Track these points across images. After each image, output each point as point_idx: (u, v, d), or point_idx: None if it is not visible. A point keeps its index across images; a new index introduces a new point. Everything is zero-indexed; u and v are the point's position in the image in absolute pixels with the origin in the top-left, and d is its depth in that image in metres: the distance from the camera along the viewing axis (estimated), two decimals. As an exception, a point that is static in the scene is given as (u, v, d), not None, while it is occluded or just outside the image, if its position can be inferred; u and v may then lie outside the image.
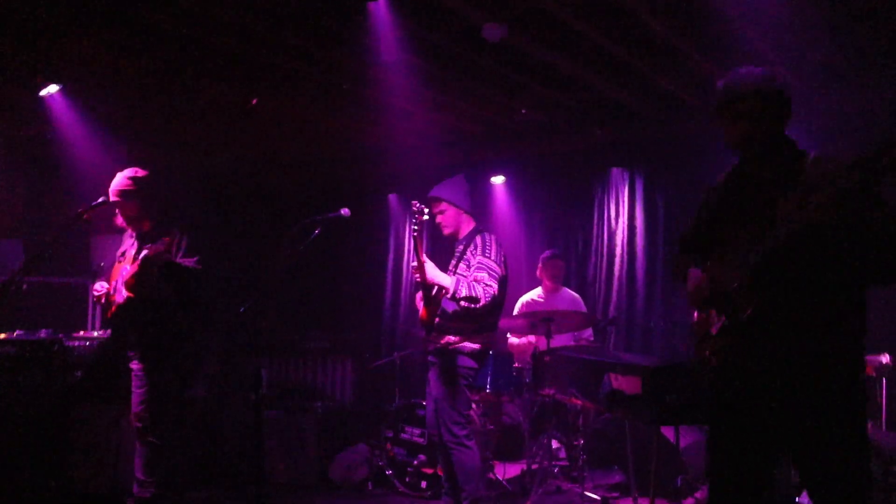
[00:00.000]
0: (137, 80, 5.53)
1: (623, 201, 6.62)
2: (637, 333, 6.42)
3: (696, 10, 4.24)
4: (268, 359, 6.37)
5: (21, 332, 5.26)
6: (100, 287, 4.40)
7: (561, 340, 5.63)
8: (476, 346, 4.22)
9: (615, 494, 5.16)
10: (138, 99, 5.97)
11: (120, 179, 4.25)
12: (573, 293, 6.22)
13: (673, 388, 3.65)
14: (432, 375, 4.27)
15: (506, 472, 5.37)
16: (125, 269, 4.26)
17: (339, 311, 8.13)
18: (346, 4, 4.06)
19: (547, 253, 6.20)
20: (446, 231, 4.43)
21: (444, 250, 4.66)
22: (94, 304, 4.59)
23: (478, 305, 4.10)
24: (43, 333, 5.30)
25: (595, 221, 6.81)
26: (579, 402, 4.93)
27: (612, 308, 6.56)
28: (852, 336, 2.35)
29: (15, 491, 4.63)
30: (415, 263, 4.18)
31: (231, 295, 6.73)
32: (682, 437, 5.05)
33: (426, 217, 4.19)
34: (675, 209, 6.35)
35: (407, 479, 5.29)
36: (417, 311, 4.39)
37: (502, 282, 4.24)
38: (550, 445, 5.27)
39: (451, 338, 4.20)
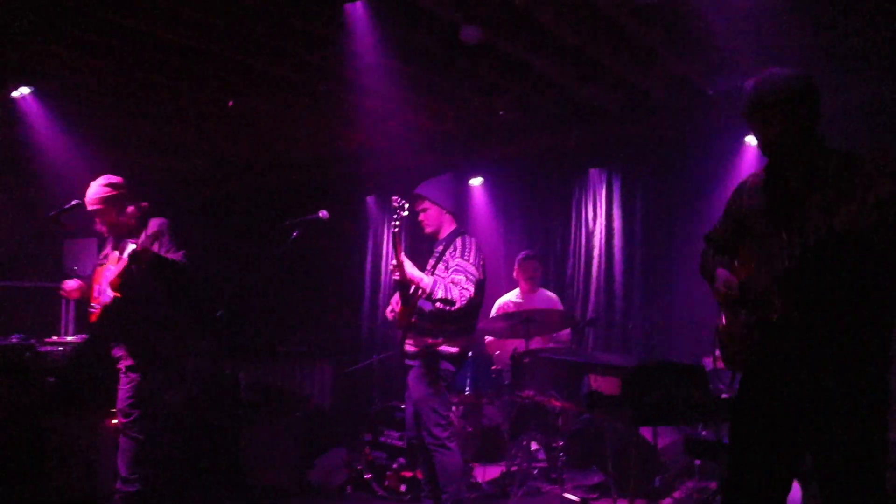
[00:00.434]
0: (112, 83, 5.46)
1: (601, 202, 6.62)
2: (615, 334, 6.42)
3: (673, 11, 4.25)
4: (246, 362, 6.30)
5: (-8, 338, 5.18)
6: (71, 283, 4.33)
7: (539, 341, 5.61)
8: (454, 349, 4.18)
9: (594, 495, 5.14)
10: (113, 101, 5.89)
11: (96, 188, 4.18)
12: (551, 294, 6.21)
13: (651, 389, 3.65)
14: (411, 378, 4.24)
15: (485, 474, 5.34)
16: (109, 269, 4.20)
17: (317, 314, 8.07)
18: (322, 6, 4.02)
19: (522, 254, 6.18)
20: (428, 230, 4.39)
21: (422, 251, 4.62)
22: (65, 300, 4.52)
23: (453, 308, 4.06)
24: (14, 339, 5.21)
25: (573, 222, 6.81)
26: (559, 403, 4.92)
27: (590, 309, 6.55)
28: (879, 341, 2.33)
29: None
30: (394, 261, 4.14)
31: (205, 298, 6.67)
32: (660, 437, 5.05)
33: (406, 213, 4.14)
34: (654, 209, 6.36)
35: (386, 483, 5.24)
36: (395, 312, 4.35)
37: (479, 285, 4.21)
38: (530, 447, 5.25)
39: (429, 340, 4.17)
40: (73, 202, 4.18)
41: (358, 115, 6.09)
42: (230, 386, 5.86)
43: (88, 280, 4.38)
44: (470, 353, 4.52)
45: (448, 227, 4.37)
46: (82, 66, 5.12)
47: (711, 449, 4.08)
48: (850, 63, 4.98)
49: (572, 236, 6.81)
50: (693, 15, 4.18)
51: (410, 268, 4.09)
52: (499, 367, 5.65)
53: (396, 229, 4.08)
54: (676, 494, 5.00)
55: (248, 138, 7.17)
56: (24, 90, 5.34)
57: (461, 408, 5.33)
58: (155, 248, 4.07)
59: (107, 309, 4.18)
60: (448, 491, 4.11)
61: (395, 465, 5.21)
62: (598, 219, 6.62)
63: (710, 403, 3.73)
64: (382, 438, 5.34)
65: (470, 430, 5.34)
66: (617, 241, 6.51)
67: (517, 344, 5.33)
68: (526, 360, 5.02)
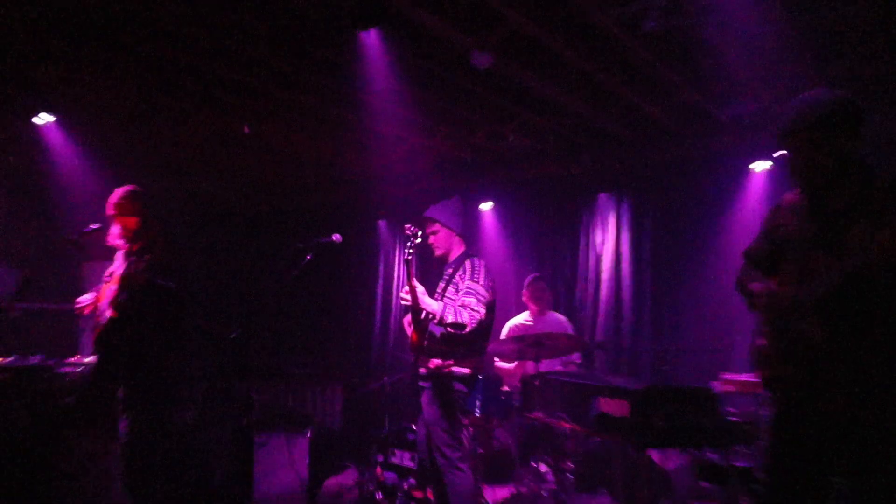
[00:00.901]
0: (131, 109, 5.53)
1: (610, 226, 6.61)
2: (624, 357, 6.39)
3: (682, 39, 4.27)
4: (257, 383, 6.30)
5: (13, 358, 5.20)
6: (86, 297, 4.26)
7: (549, 364, 5.59)
8: (466, 370, 4.18)
9: (604, 518, 5.10)
10: (132, 127, 5.96)
11: (118, 193, 4.17)
12: (560, 317, 6.20)
13: (660, 412, 3.62)
14: (424, 400, 4.23)
15: (495, 495, 5.30)
16: (111, 289, 4.18)
17: (328, 336, 8.07)
18: (336, 32, 4.06)
19: (529, 277, 6.18)
20: (438, 252, 4.40)
21: (432, 273, 4.63)
22: (76, 322, 4.48)
23: (464, 332, 4.06)
24: (35, 359, 5.24)
25: (582, 247, 6.80)
26: (568, 425, 4.89)
27: (599, 332, 6.53)
28: None
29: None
30: (406, 287, 4.15)
31: (219, 319, 6.69)
32: (669, 460, 5.01)
33: (419, 240, 4.16)
34: (662, 233, 6.35)
35: (397, 503, 5.22)
36: (406, 335, 4.35)
37: (490, 307, 4.21)
38: (539, 469, 5.22)
39: (440, 361, 4.16)
40: (93, 226, 4.17)
41: (370, 139, 6.13)
42: (242, 406, 5.86)
43: (99, 293, 4.35)
44: (480, 376, 4.50)
45: (457, 250, 4.39)
46: (104, 92, 5.19)
47: (719, 472, 4.04)
48: (859, 92, 4.98)
49: (581, 260, 6.80)
50: (702, 42, 4.19)
51: (422, 294, 4.10)
52: (509, 389, 5.63)
53: (409, 257, 4.10)
54: (685, 517, 4.95)
55: (263, 162, 7.23)
56: (46, 117, 5.40)
57: (471, 430, 5.30)
58: (143, 268, 4.00)
59: (104, 328, 4.12)
60: (458, 512, 4.08)
61: (405, 486, 5.19)
62: (607, 243, 6.61)
63: (718, 427, 3.69)
64: (394, 459, 5.32)
65: (480, 451, 5.31)
66: (626, 264, 6.50)
67: (526, 367, 5.30)
68: (535, 383, 4.99)
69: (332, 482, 5.54)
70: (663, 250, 6.36)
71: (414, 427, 4.92)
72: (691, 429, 3.64)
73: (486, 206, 7.19)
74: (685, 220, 6.25)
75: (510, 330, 6.11)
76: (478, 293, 4.13)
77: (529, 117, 5.79)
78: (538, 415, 4.96)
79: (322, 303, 8.14)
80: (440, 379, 4.16)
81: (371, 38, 3.92)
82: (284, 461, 5.54)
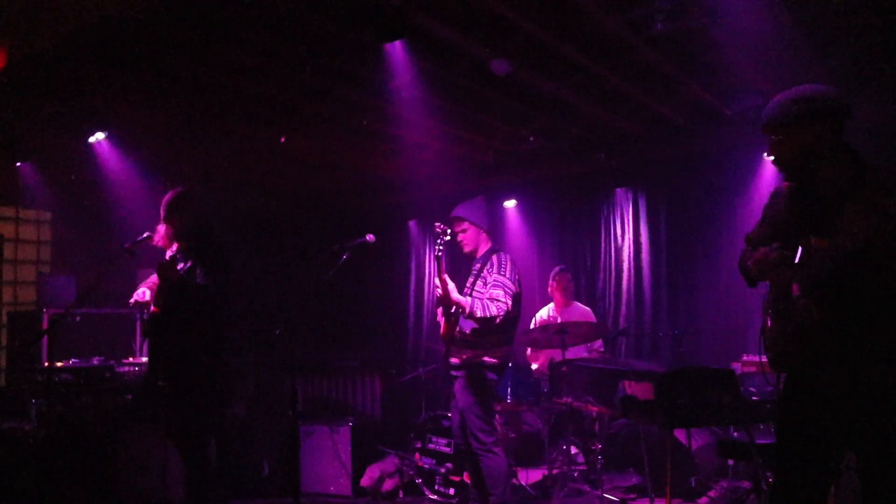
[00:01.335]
0: (176, 126, 5.60)
1: (628, 219, 6.57)
2: (646, 342, 6.34)
3: (688, 39, 4.21)
4: (302, 377, 6.35)
5: (76, 361, 5.29)
6: (141, 294, 4.16)
7: (574, 352, 5.56)
8: (494, 360, 4.17)
9: (632, 496, 5.06)
10: (176, 141, 6.03)
11: (169, 194, 4.14)
12: (584, 307, 6.16)
13: (683, 393, 3.58)
14: (457, 388, 4.22)
15: (528, 477, 5.29)
16: (156, 284, 4.15)
17: (366, 331, 8.11)
18: (363, 46, 4.07)
19: (555, 269, 6.16)
20: (466, 249, 4.40)
21: (461, 269, 4.63)
22: (132, 324, 4.47)
23: (493, 324, 4.06)
24: (95, 361, 5.33)
25: (602, 239, 6.77)
26: (595, 408, 4.86)
27: (621, 320, 6.50)
28: None
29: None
30: (437, 281, 4.15)
31: (264, 319, 6.75)
32: (694, 439, 4.95)
33: (448, 237, 4.16)
34: (677, 224, 6.32)
35: (436, 487, 5.22)
36: (439, 326, 4.35)
37: (516, 298, 4.20)
38: (569, 451, 5.19)
39: (471, 352, 4.16)
40: (145, 234, 4.17)
41: (398, 146, 6.14)
42: (288, 399, 5.90)
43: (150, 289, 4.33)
44: (510, 364, 4.48)
45: (484, 246, 4.38)
46: (151, 111, 5.26)
47: (743, 450, 3.98)
48: (859, 82, 4.89)
49: (602, 252, 6.76)
50: (707, 41, 4.14)
51: (452, 289, 4.10)
52: (537, 376, 5.61)
53: (440, 253, 4.10)
54: (712, 494, 4.89)
55: (300, 171, 7.28)
56: (99, 135, 5.48)
57: (503, 415, 5.29)
58: (180, 266, 3.95)
59: (149, 322, 4.08)
60: (494, 493, 4.08)
61: (443, 470, 5.20)
62: (626, 235, 6.57)
63: (740, 406, 3.64)
64: (431, 445, 5.32)
65: (512, 435, 5.30)
66: (644, 254, 6.45)
67: (554, 354, 5.28)
68: (563, 369, 4.97)
69: (373, 469, 5.57)
70: (679, 240, 6.31)
71: (449, 414, 4.92)
72: (714, 408, 3.59)
73: (509, 204, 7.17)
74: (699, 211, 6.21)
75: (538, 321, 6.09)
76: (505, 286, 4.12)
77: (547, 120, 5.76)
78: (566, 399, 4.94)
79: (360, 300, 8.18)
80: (472, 368, 4.16)
81: (396, 51, 3.91)
82: (329, 450, 5.58)
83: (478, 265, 4.33)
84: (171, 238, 4.18)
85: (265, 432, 5.81)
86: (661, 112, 5.57)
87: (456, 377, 4.24)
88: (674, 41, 4.26)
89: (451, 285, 4.11)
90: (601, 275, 6.75)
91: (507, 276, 4.16)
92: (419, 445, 5.39)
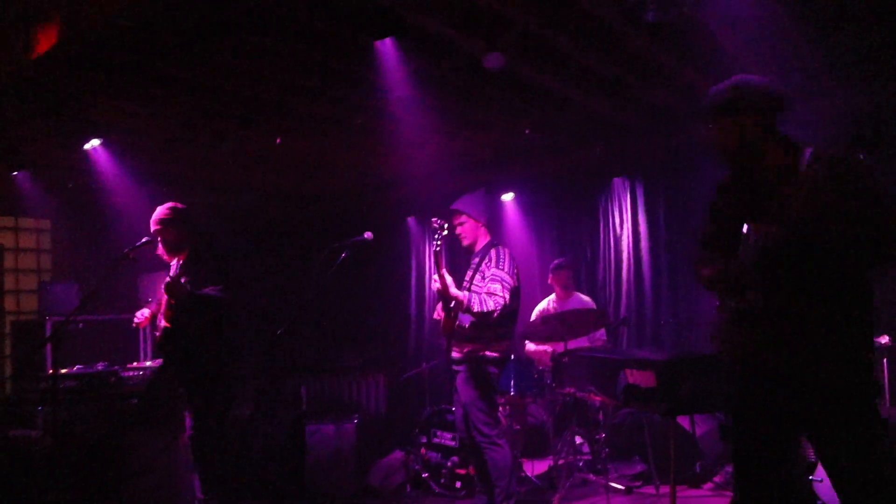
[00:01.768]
0: (170, 130, 5.61)
1: (626, 209, 6.58)
2: (647, 331, 6.36)
3: (681, 28, 4.21)
4: (306, 377, 6.38)
5: (80, 367, 5.32)
6: (140, 315, 4.33)
7: (577, 343, 5.57)
8: (495, 354, 4.19)
9: (638, 483, 5.09)
10: (172, 146, 6.04)
11: (160, 210, 4.24)
12: (584, 297, 6.18)
13: (685, 380, 3.60)
14: (459, 382, 4.25)
15: (534, 468, 5.32)
16: (164, 300, 4.24)
17: (369, 329, 8.14)
18: (354, 45, 4.08)
19: (554, 263, 6.16)
20: (465, 242, 4.41)
21: (460, 264, 4.65)
22: (136, 329, 4.56)
23: (491, 318, 4.09)
24: (100, 366, 5.36)
25: (601, 229, 6.77)
26: (598, 398, 4.88)
27: (622, 309, 6.50)
28: (859, 322, 2.29)
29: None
30: (435, 276, 4.18)
31: (266, 320, 6.77)
32: (698, 425, 4.98)
33: (446, 232, 4.18)
34: (675, 212, 6.31)
35: (442, 481, 5.25)
36: (439, 321, 4.37)
37: (514, 292, 4.22)
38: (574, 441, 5.22)
39: (471, 346, 4.18)
40: (144, 239, 4.23)
41: (394, 143, 6.15)
42: (293, 399, 5.93)
43: (158, 305, 4.43)
44: (512, 356, 4.49)
45: (483, 240, 4.40)
46: (145, 116, 5.28)
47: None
48: (853, 68, 4.89)
49: (601, 242, 6.77)
50: (700, 30, 4.14)
51: (450, 284, 4.12)
52: (541, 367, 5.63)
53: (438, 248, 4.12)
54: (717, 479, 4.92)
55: (295, 172, 7.29)
56: (94, 142, 5.50)
57: (507, 407, 5.32)
58: (184, 280, 4.02)
59: (162, 336, 4.21)
60: (500, 485, 4.10)
61: (449, 464, 5.22)
62: (625, 224, 6.58)
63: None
64: (436, 440, 5.35)
65: (517, 427, 5.33)
66: (644, 244, 6.46)
67: (555, 347, 5.30)
68: (565, 360, 4.99)
69: (380, 465, 5.60)
70: (678, 228, 6.31)
71: (452, 408, 4.95)
72: (715, 394, 3.61)
73: (507, 197, 7.18)
74: (697, 198, 6.19)
75: (538, 313, 6.11)
76: (503, 280, 4.14)
77: (542, 113, 5.77)
78: (570, 390, 4.96)
79: (362, 298, 8.20)
80: (473, 362, 4.18)
81: (386, 48, 3.92)
82: (334, 448, 5.61)
83: (476, 259, 4.35)
84: (168, 250, 4.27)
85: (271, 432, 5.84)
86: (656, 101, 5.57)
87: (457, 371, 4.26)
88: (667, 29, 4.26)
89: (450, 280, 4.13)
90: (601, 265, 6.76)
91: (506, 270, 4.18)
92: (424, 440, 5.42)
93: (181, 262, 4.26)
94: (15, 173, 6.19)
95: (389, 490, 5.45)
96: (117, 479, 4.88)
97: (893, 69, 4.78)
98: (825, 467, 2.35)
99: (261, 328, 6.76)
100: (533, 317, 6.07)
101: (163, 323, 4.17)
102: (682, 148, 6.21)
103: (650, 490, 4.90)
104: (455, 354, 4.27)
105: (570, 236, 7.01)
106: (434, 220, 4.16)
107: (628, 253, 6.54)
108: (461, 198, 4.43)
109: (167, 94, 4.83)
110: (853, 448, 2.23)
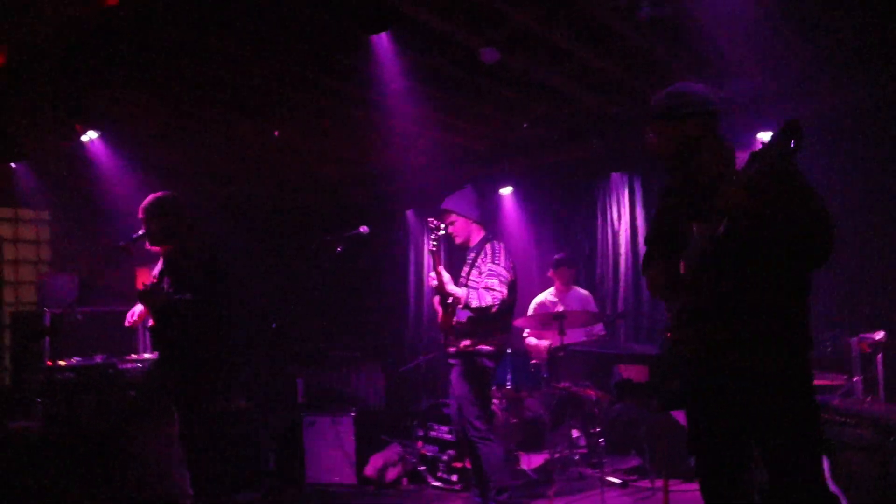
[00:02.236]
0: (167, 121, 5.63)
1: (624, 203, 6.58)
2: (644, 325, 6.38)
3: (676, 24, 4.23)
4: (303, 368, 6.41)
5: (78, 359, 5.35)
6: (130, 315, 4.31)
7: (574, 336, 5.60)
8: (491, 348, 4.22)
9: (633, 477, 5.13)
10: (169, 138, 6.06)
11: (146, 200, 4.17)
12: (583, 291, 6.19)
13: (678, 375, 3.62)
14: (454, 376, 4.28)
15: (530, 461, 5.36)
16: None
17: (366, 321, 8.16)
18: (350, 38, 4.10)
19: (555, 258, 6.17)
20: (458, 240, 4.44)
21: (459, 260, 4.67)
22: (130, 329, 4.53)
23: (489, 312, 4.11)
24: (98, 359, 5.38)
25: (599, 223, 6.78)
26: (594, 392, 4.92)
27: (620, 303, 6.52)
28: (796, 324, 2.34)
29: (76, 501, 4.69)
30: (433, 273, 4.21)
31: (263, 311, 6.80)
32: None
33: (442, 231, 4.22)
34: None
35: (439, 474, 5.29)
36: (436, 315, 4.40)
37: (511, 286, 4.25)
38: (570, 435, 5.26)
39: (468, 341, 4.21)
40: (140, 232, 4.22)
41: (390, 136, 6.16)
42: (290, 391, 5.95)
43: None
44: (508, 350, 4.52)
45: (477, 236, 4.42)
46: (142, 107, 5.29)
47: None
48: (846, 65, 4.89)
49: (599, 236, 6.78)
50: (695, 26, 4.15)
51: (448, 281, 4.15)
52: (537, 362, 5.66)
53: (434, 247, 4.16)
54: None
55: (294, 163, 7.31)
56: (91, 134, 5.50)
57: (504, 401, 5.35)
58: (168, 280, 4.00)
59: (150, 332, 4.19)
60: (493, 479, 4.14)
61: (445, 457, 5.26)
62: (623, 219, 6.58)
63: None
64: (433, 433, 5.38)
65: (514, 421, 5.36)
66: (641, 238, 6.47)
67: (552, 341, 5.32)
68: (561, 354, 5.02)
69: (377, 458, 5.63)
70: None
71: (449, 402, 4.98)
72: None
73: (505, 191, 7.18)
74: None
75: (536, 306, 6.13)
76: (499, 274, 4.16)
77: (540, 107, 5.77)
78: (565, 384, 5.00)
79: (360, 290, 8.22)
80: (468, 356, 4.21)
81: (382, 42, 3.94)
82: (332, 440, 5.64)
83: (472, 254, 4.37)
84: (155, 241, 4.18)
85: (269, 424, 5.88)
86: (652, 96, 5.57)
87: (453, 365, 4.29)
88: (662, 24, 4.28)
89: (447, 277, 4.16)
90: (599, 259, 6.77)
91: (502, 264, 4.21)
92: (421, 433, 5.45)
93: (167, 256, 4.21)
94: (13, 165, 6.22)
95: (386, 483, 5.49)
96: (116, 471, 4.92)
97: (886, 66, 4.78)
98: (765, 465, 2.36)
99: (258, 319, 6.78)
100: (531, 310, 6.09)
101: (150, 322, 4.17)
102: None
103: (645, 484, 4.94)
104: (451, 348, 4.30)
105: (568, 230, 7.02)
106: (430, 220, 4.22)
107: (626, 248, 6.55)
108: (448, 197, 4.45)
109: (164, 85, 4.85)
110: (791, 445, 2.27)
